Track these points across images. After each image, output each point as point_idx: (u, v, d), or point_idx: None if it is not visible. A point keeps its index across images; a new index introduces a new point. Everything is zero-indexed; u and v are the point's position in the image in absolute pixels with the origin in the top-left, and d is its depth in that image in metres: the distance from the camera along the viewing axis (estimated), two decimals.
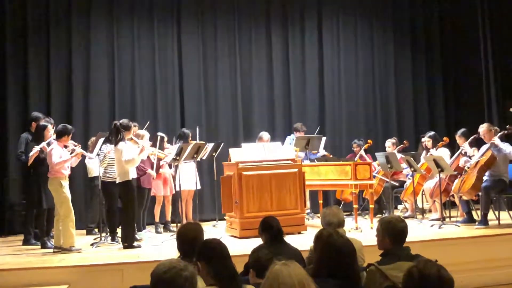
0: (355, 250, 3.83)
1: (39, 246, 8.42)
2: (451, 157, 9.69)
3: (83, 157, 9.11)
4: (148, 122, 9.93)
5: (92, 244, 8.39)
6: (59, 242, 7.92)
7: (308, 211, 10.49)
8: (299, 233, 8.69)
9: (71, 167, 8.47)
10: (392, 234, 4.27)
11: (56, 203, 7.98)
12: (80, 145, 8.76)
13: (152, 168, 9.32)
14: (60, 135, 8.16)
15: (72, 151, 8.34)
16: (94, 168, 9.49)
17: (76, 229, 8.19)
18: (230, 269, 3.56)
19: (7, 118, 10.60)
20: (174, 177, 9.78)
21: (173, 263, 2.78)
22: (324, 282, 3.47)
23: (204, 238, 4.05)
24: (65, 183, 8.01)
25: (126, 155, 8.05)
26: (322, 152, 11.08)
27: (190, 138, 10.04)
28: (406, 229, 4.32)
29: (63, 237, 7.89)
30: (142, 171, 9.12)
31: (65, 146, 8.26)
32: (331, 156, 11.13)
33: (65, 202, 7.92)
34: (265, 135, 10.69)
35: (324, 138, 11.12)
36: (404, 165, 10.00)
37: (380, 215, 10.39)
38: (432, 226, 8.97)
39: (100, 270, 6.94)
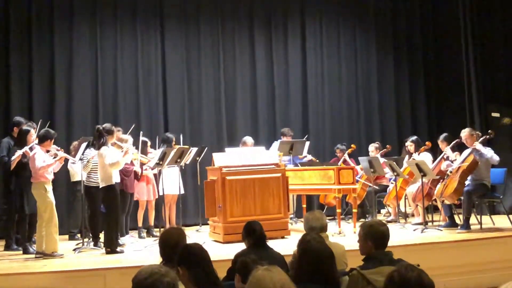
0: (334, 255, 3.83)
1: (21, 252, 8.34)
2: (433, 161, 9.75)
3: (66, 161, 9.05)
4: (134, 125, 9.86)
5: (74, 249, 8.34)
6: (41, 247, 7.85)
7: (292, 215, 10.50)
8: (283, 237, 8.69)
9: (54, 172, 8.43)
10: (374, 238, 4.27)
11: (40, 208, 7.92)
12: (63, 149, 8.72)
13: (136, 173, 9.30)
14: (42, 139, 8.11)
15: (55, 155, 8.29)
16: (77, 171, 9.43)
17: (59, 234, 8.14)
18: (211, 275, 3.55)
19: None
20: (157, 180, 9.72)
21: (154, 269, 2.75)
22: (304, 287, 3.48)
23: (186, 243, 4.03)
24: (49, 188, 7.97)
25: (110, 159, 8.02)
26: (308, 156, 11.13)
27: (174, 143, 10.01)
28: (388, 233, 4.32)
29: (45, 242, 7.82)
30: (128, 171, 9.06)
31: (48, 151, 8.21)
32: (317, 160, 11.20)
33: (49, 207, 7.87)
34: (248, 139, 10.68)
35: (307, 143, 11.17)
36: (387, 169, 10.04)
37: (363, 220, 10.43)
38: (414, 230, 9.02)
39: (82, 276, 6.90)
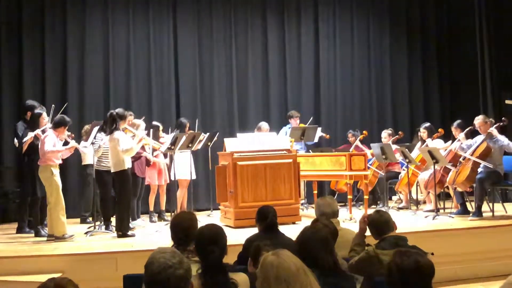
0: (322, 241, 3.77)
1: (33, 235, 8.42)
2: (446, 148, 9.70)
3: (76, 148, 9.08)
4: (144, 117, 9.78)
5: (86, 233, 8.39)
6: (53, 230, 7.90)
7: (303, 201, 10.49)
8: (294, 223, 8.69)
9: (63, 158, 8.47)
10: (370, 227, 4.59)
11: (47, 191, 7.96)
12: (73, 135, 8.76)
13: (147, 159, 9.32)
14: (57, 125, 8.13)
15: (66, 143, 8.32)
16: (88, 154, 9.45)
17: (70, 217, 8.21)
18: (214, 261, 3.56)
19: (1, 107, 10.58)
20: (169, 167, 9.75)
21: (167, 259, 2.69)
22: None
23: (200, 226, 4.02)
24: (56, 171, 7.99)
25: (124, 144, 8.02)
26: (320, 134, 11.11)
27: (187, 128, 10.01)
28: (381, 220, 4.52)
29: (54, 225, 7.88)
30: (138, 154, 9.03)
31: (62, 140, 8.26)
32: (328, 136, 11.26)
33: (56, 190, 7.91)
34: (264, 125, 10.66)
35: (319, 129, 11.13)
36: (399, 156, 9.99)
37: (375, 206, 10.43)
38: (426, 217, 8.99)
39: (94, 259, 6.95)
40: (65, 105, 9.63)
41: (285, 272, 2.78)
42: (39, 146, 8.01)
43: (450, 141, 9.64)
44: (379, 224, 4.48)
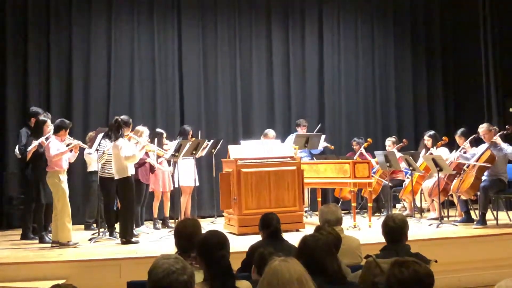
0: (327, 249, 3.77)
1: (37, 241, 8.42)
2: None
3: (82, 151, 9.08)
4: (142, 125, 9.78)
5: (90, 239, 8.41)
6: (57, 236, 7.92)
7: (307, 208, 10.49)
8: (297, 230, 8.68)
9: (70, 163, 8.49)
10: (384, 233, 4.43)
11: (54, 197, 7.99)
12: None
13: (151, 165, 9.32)
14: (57, 129, 8.18)
15: (69, 144, 8.34)
16: (92, 161, 9.46)
17: (74, 224, 8.21)
18: (223, 269, 3.54)
19: (6, 112, 10.58)
20: (172, 174, 9.76)
21: (170, 265, 2.69)
22: None
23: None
24: (63, 178, 8.02)
25: (126, 151, 8.04)
26: (324, 143, 11.08)
27: (190, 135, 10.03)
28: (395, 229, 4.38)
29: (59, 232, 7.89)
30: (141, 160, 9.04)
31: (63, 141, 8.27)
32: (332, 147, 11.19)
33: (62, 197, 7.93)
34: (270, 132, 10.67)
35: (323, 136, 11.13)
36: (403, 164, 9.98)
37: (379, 214, 10.42)
38: (430, 225, 8.98)
39: (98, 265, 6.96)
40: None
41: (279, 279, 2.77)
42: (45, 153, 8.04)
43: (455, 151, 9.62)
44: (385, 233, 4.44)
